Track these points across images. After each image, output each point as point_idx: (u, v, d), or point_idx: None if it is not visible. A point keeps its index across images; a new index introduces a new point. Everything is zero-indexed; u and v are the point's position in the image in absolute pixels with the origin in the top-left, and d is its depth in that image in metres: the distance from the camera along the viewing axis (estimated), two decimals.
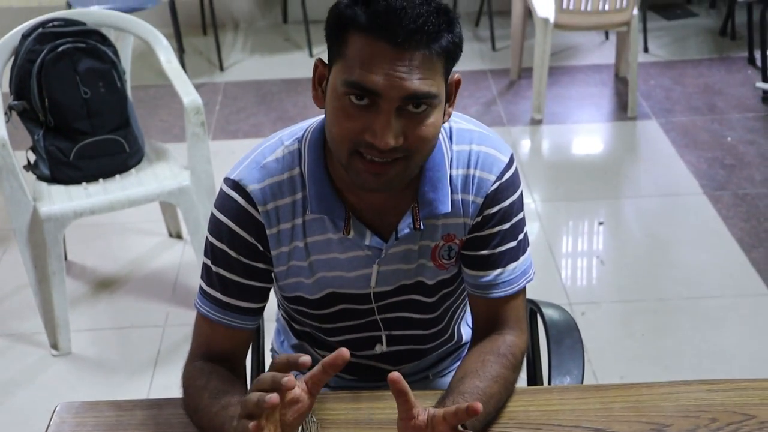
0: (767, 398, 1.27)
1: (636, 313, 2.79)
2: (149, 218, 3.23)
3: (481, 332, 1.32)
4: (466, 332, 1.53)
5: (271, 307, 1.53)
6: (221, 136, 3.95)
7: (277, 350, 1.56)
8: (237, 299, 1.26)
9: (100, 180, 2.62)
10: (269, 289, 1.31)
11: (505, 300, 1.30)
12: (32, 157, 2.64)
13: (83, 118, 2.56)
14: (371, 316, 1.34)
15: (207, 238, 1.26)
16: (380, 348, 1.38)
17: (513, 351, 1.27)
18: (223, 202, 1.25)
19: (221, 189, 1.26)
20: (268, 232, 1.24)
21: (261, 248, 1.25)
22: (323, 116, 1.23)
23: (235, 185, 1.24)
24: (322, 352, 1.43)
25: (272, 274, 1.29)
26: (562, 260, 3.05)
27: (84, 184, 2.60)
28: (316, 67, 1.18)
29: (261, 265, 1.26)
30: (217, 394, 1.18)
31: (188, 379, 1.24)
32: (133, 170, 2.69)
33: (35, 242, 2.50)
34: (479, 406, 1.01)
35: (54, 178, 2.59)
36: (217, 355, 1.27)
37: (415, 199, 1.24)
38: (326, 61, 1.16)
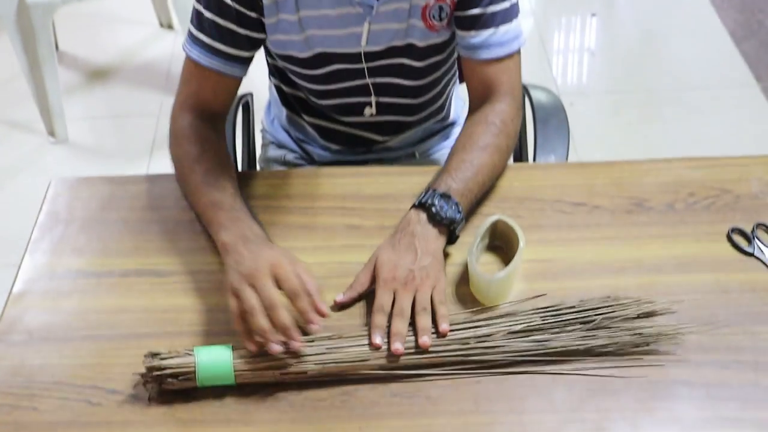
0: (745, 174, 1.27)
1: (624, 104, 2.76)
2: (139, 8, 3.13)
3: (476, 104, 1.28)
4: (455, 112, 1.51)
5: (262, 87, 1.51)
6: None
7: (267, 128, 1.54)
8: (228, 46, 1.23)
9: None
10: (259, 41, 1.26)
11: (498, 62, 1.25)
12: None
13: None
14: (362, 79, 1.31)
15: None
16: (369, 111, 1.36)
17: (502, 118, 1.24)
18: None
19: None
20: None
21: None
22: None
23: None
24: (311, 119, 1.41)
25: (263, 25, 1.24)
26: (553, 55, 2.99)
27: None
28: None
29: (253, 14, 1.21)
30: (209, 180, 1.16)
31: (179, 138, 1.22)
32: None
33: (24, 29, 2.42)
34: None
35: None
36: (205, 106, 1.25)
37: None
38: None
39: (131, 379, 1.01)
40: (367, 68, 1.29)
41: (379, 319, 1.03)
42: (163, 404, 0.98)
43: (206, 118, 1.24)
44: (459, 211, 1.12)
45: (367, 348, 1.01)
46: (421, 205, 1.12)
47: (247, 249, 1.04)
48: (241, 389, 0.99)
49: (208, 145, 1.21)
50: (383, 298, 1.05)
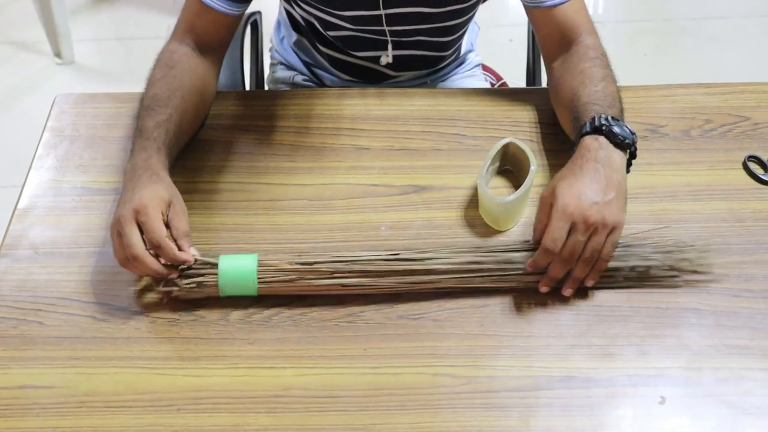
0: (764, 101, 1.24)
1: (640, 33, 2.71)
2: None
3: (556, 51, 1.20)
4: (466, 44, 1.47)
5: (271, 4, 1.47)
6: None
7: (276, 48, 1.50)
8: None
9: None
10: None
11: (568, 3, 1.17)
12: None
13: None
14: (378, 25, 1.26)
15: None
16: (385, 59, 1.32)
17: (599, 52, 1.17)
18: None
19: None
20: None
21: None
22: None
23: None
24: (324, 49, 1.37)
25: None
26: None
27: None
28: None
29: None
30: (151, 105, 1.11)
31: (155, 62, 1.17)
32: None
33: None
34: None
35: None
36: (197, 38, 1.19)
37: None
38: None
39: (136, 295, 1.01)
40: (386, 15, 1.23)
41: (544, 260, 0.97)
42: (166, 321, 0.98)
43: (194, 48, 1.18)
44: (632, 131, 1.03)
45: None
46: (595, 130, 1.02)
47: (131, 183, 1.00)
48: (245, 309, 0.99)
49: (175, 71, 1.14)
50: (557, 230, 0.96)
